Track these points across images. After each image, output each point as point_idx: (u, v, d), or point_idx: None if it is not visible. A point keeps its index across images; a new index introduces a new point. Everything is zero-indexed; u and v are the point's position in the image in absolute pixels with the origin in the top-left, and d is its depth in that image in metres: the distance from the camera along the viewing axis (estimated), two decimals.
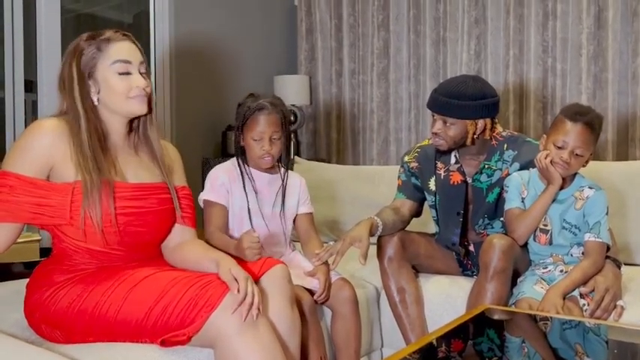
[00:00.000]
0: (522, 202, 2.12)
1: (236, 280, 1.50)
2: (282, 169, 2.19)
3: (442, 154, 2.26)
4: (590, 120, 1.98)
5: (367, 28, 4.06)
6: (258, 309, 1.49)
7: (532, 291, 2.01)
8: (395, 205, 2.36)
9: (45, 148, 1.54)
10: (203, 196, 2.09)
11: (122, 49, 1.61)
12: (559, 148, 1.99)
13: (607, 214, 2.04)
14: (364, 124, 4.11)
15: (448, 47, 3.76)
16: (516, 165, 2.18)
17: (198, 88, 3.78)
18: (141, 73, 1.64)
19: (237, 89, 3.88)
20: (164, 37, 3.61)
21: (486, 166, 2.20)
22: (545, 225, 2.08)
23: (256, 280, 1.63)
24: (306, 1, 4.27)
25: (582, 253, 2.05)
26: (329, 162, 4.12)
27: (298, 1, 4.32)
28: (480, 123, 2.13)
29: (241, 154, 2.14)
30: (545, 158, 2.01)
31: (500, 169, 2.19)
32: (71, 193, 1.52)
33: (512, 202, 2.12)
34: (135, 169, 1.67)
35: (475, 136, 2.15)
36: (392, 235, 2.21)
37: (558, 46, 3.41)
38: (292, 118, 3.93)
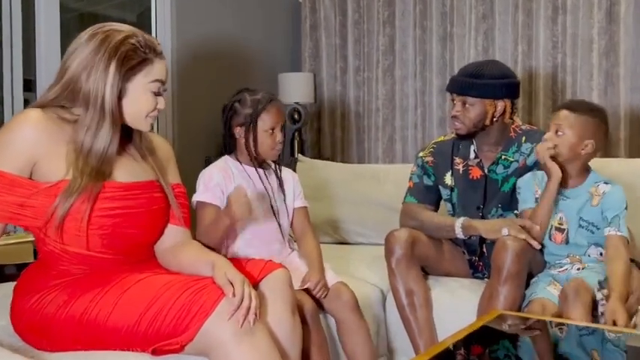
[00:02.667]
0: (536, 201, 2.06)
1: (232, 284, 1.42)
2: (274, 164, 2.14)
3: (460, 148, 2.25)
4: (569, 104, 2.06)
5: (372, 24, 3.98)
6: (256, 314, 1.41)
7: (545, 292, 1.95)
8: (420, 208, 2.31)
9: (29, 143, 1.45)
10: (197, 198, 2.01)
11: (163, 69, 1.56)
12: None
13: (626, 208, 1.97)
14: (369, 122, 4.04)
15: (455, 43, 3.68)
16: (533, 157, 2.15)
17: (201, 85, 3.72)
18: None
19: (240, 86, 3.78)
20: (166, 34, 3.56)
21: (503, 157, 2.19)
22: (561, 224, 2.03)
23: (256, 284, 1.55)
24: None
25: (600, 254, 1.98)
26: (333, 161, 4.05)
27: None
28: (500, 105, 2.12)
29: (232, 150, 2.09)
30: (547, 150, 1.98)
31: (517, 161, 2.18)
32: (54, 195, 1.43)
33: (525, 204, 2.09)
34: (124, 166, 1.57)
35: (495, 119, 2.13)
36: (401, 235, 2.14)
37: (568, 41, 3.33)
38: (296, 116, 3.88)
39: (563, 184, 2.02)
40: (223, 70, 3.87)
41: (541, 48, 3.40)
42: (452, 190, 2.28)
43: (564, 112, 1.99)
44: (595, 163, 2.24)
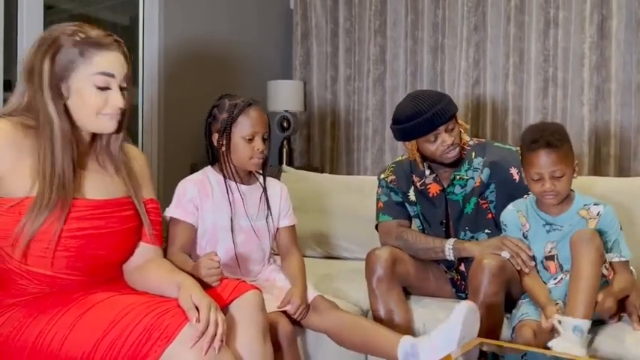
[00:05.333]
0: (525, 236, 2.01)
1: (197, 308, 1.35)
2: (261, 177, 2.04)
3: (415, 168, 2.22)
4: (547, 142, 1.88)
5: (364, 33, 3.95)
6: (222, 341, 1.34)
7: (536, 313, 1.88)
8: (400, 226, 2.26)
9: None
10: (168, 212, 1.92)
11: (109, 60, 1.43)
12: (537, 180, 1.90)
13: (621, 228, 1.95)
14: (359, 132, 4.00)
15: (446, 54, 3.65)
16: (487, 170, 2.14)
17: (189, 90, 3.66)
18: (122, 89, 1.46)
19: (228, 92, 3.76)
20: (153, 39, 3.50)
21: (457, 176, 2.16)
22: (550, 251, 1.96)
23: (226, 306, 1.49)
24: (302, 5, 4.16)
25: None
26: (322, 170, 4.01)
27: (294, 4, 4.21)
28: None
29: (216, 161, 1.99)
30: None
31: (473, 178, 2.15)
32: (18, 213, 1.37)
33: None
34: (95, 182, 1.50)
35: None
36: (382, 253, 2.09)
37: (560, 55, 3.30)
38: (285, 124, 3.83)
39: (549, 211, 1.97)
40: (212, 75, 3.81)
41: (532, 61, 3.37)
42: (416, 205, 2.26)
43: (554, 155, 1.87)
44: (586, 181, 2.20)
